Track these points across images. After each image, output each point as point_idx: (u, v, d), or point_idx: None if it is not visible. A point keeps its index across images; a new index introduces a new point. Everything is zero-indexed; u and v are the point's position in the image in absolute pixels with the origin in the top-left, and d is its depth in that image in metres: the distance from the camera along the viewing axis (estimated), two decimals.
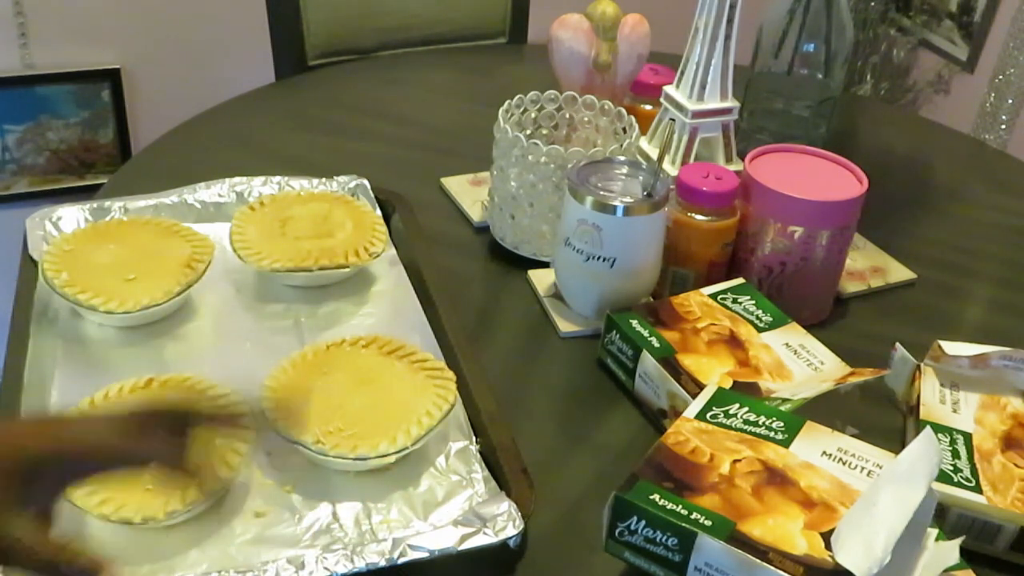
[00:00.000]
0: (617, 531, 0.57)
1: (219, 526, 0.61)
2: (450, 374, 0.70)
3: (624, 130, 0.91)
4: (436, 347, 0.76)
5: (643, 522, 0.56)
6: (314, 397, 0.67)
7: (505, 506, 0.61)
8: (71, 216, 0.85)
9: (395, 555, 0.58)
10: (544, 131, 0.94)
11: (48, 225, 0.84)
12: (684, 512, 0.55)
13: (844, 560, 0.52)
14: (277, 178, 0.92)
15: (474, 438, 0.69)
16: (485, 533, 0.60)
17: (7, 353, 0.71)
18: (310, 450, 0.63)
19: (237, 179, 0.91)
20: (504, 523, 0.60)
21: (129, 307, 0.74)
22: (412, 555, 0.58)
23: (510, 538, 0.60)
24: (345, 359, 0.71)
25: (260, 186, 0.91)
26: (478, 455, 0.68)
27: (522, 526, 0.60)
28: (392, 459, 0.64)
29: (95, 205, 0.86)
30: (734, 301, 0.80)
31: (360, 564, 0.57)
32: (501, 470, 0.65)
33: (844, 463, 0.59)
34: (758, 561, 0.52)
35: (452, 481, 0.66)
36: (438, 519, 0.63)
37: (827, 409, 0.68)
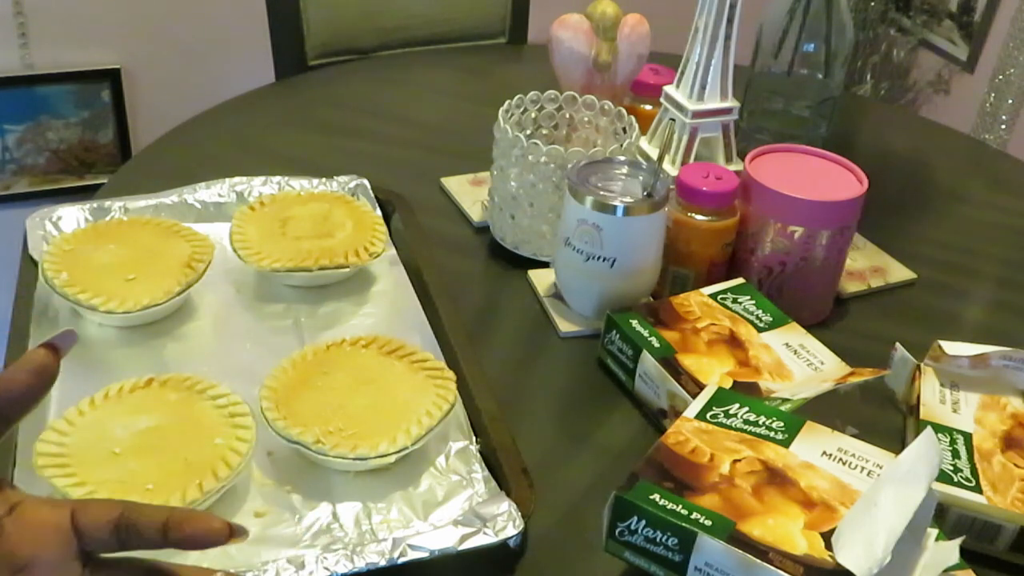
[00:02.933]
0: (617, 531, 0.57)
1: None
2: (450, 374, 0.70)
3: (624, 130, 0.90)
4: (436, 347, 0.76)
5: (643, 522, 0.56)
6: (314, 397, 0.67)
7: (505, 506, 0.61)
8: (71, 216, 0.85)
9: (395, 555, 0.58)
10: (544, 131, 0.94)
11: (48, 225, 0.84)
12: (684, 512, 0.55)
13: (844, 560, 0.52)
14: (277, 178, 0.92)
15: (474, 438, 0.69)
16: (485, 533, 0.60)
17: (7, 353, 0.71)
18: (310, 450, 0.63)
19: (237, 179, 0.91)
20: (504, 523, 0.60)
21: (129, 307, 0.74)
22: (412, 555, 0.58)
23: (510, 538, 0.60)
24: (345, 359, 0.71)
25: (260, 186, 0.91)
26: (478, 455, 0.68)
27: (522, 526, 0.60)
28: (392, 459, 0.64)
29: (95, 205, 0.86)
30: (734, 301, 0.80)
31: (360, 564, 0.57)
32: (501, 470, 0.65)
33: (844, 463, 0.59)
34: (758, 561, 0.52)
35: (452, 481, 0.66)
36: (438, 519, 0.63)
37: (827, 409, 0.68)
